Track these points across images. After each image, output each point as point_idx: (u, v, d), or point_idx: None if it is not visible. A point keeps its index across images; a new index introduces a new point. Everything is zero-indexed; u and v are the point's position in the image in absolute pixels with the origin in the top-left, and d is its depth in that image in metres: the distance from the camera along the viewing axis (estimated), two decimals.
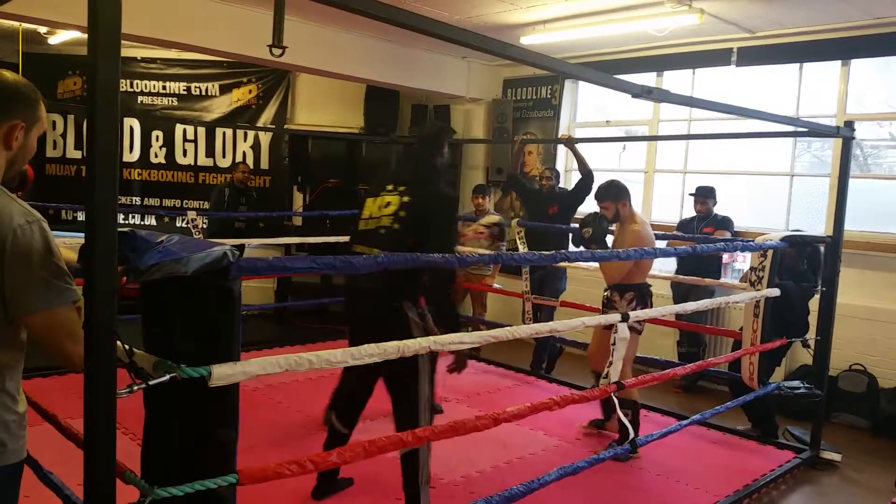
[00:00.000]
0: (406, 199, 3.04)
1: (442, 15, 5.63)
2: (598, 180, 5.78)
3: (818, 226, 5.57)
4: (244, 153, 8.14)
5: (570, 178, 7.21)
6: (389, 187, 3.13)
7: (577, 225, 4.69)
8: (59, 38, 7.23)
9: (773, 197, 6.03)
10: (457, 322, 3.14)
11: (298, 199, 8.08)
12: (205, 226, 6.06)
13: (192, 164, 8.07)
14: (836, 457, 4.32)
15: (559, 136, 6.97)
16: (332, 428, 3.30)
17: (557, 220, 5.69)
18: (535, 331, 3.24)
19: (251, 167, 7.80)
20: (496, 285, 6.38)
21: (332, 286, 7.18)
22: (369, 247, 3.05)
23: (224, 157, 8.04)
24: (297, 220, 7.76)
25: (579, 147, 5.72)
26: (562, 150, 7.22)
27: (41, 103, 1.69)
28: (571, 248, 5.15)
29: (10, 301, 1.53)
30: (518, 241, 5.90)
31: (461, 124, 8.03)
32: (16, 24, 6.46)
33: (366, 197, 3.22)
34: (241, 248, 1.87)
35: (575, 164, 5.76)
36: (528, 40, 6.11)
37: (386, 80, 7.08)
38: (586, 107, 7.45)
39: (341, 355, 2.15)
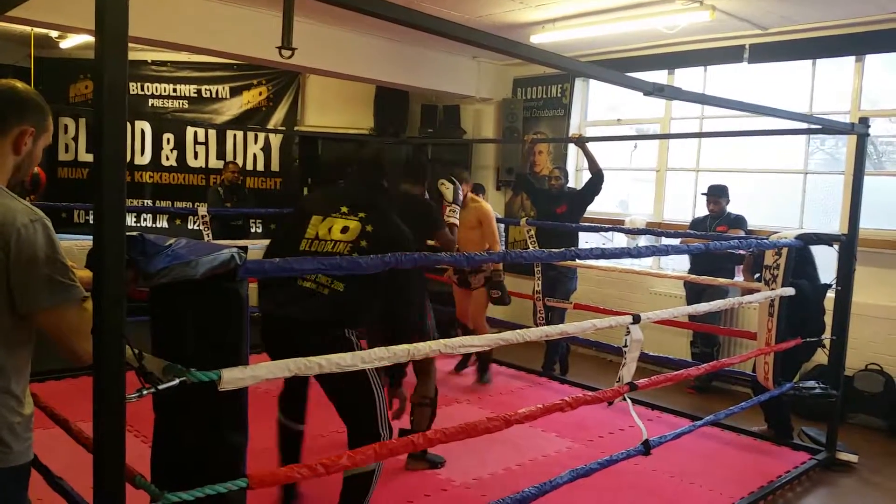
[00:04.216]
0: (369, 227, 2.82)
1: (451, 14, 5.61)
2: (609, 179, 5.81)
3: (832, 224, 5.52)
4: (254, 155, 8.15)
5: (580, 178, 7.18)
6: (344, 209, 2.89)
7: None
8: (69, 42, 7.27)
9: (786, 195, 5.98)
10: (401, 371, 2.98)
11: None
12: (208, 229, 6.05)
13: (203, 166, 8.08)
14: (853, 458, 4.26)
15: (570, 135, 6.95)
16: (285, 427, 3.19)
17: (566, 220, 5.66)
18: (545, 333, 3.20)
19: (240, 166, 7.76)
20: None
21: None
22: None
23: (235, 159, 8.04)
24: None
25: (590, 146, 5.70)
26: (572, 149, 7.18)
27: (49, 114, 1.75)
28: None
29: (17, 300, 1.55)
30: (528, 240, 5.90)
31: (471, 124, 8.01)
32: (27, 28, 6.50)
33: (309, 212, 2.95)
34: (244, 249, 1.87)
35: (586, 164, 5.75)
36: (537, 39, 6.08)
37: (395, 80, 7.07)
38: (597, 105, 7.41)
39: (351, 359, 2.14)
